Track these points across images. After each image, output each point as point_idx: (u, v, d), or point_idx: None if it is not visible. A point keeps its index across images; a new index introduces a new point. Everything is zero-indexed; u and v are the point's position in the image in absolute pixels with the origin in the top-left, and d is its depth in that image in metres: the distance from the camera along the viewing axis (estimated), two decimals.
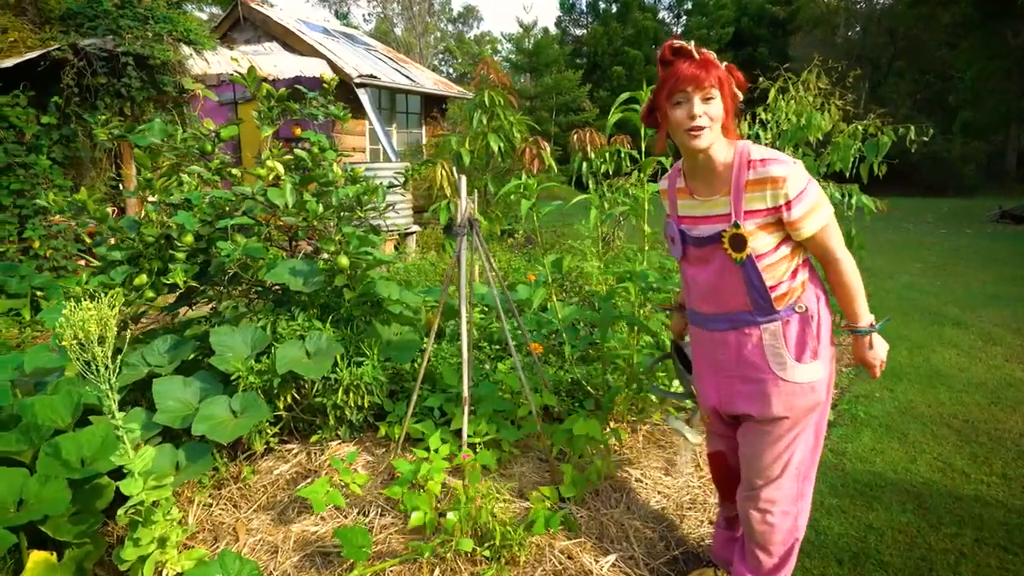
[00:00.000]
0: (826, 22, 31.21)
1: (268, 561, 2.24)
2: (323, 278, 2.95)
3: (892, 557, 2.34)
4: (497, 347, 3.60)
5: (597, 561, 2.24)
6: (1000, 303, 6.40)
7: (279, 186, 3.04)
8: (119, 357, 1.93)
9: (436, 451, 2.52)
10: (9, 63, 5.91)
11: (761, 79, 4.00)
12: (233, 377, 2.66)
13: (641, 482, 2.77)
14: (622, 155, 3.50)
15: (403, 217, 8.41)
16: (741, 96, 1.68)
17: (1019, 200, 16.59)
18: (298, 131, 3.60)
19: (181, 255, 2.94)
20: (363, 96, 9.50)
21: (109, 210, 6.90)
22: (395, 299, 3.08)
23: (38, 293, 5.50)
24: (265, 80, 3.43)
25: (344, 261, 2.92)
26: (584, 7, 35.86)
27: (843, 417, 3.56)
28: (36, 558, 1.95)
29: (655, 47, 31.45)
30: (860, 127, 3.67)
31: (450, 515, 2.20)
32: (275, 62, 8.85)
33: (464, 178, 2.59)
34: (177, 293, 3.16)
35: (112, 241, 3.14)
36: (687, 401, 2.36)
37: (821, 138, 3.80)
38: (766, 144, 3.73)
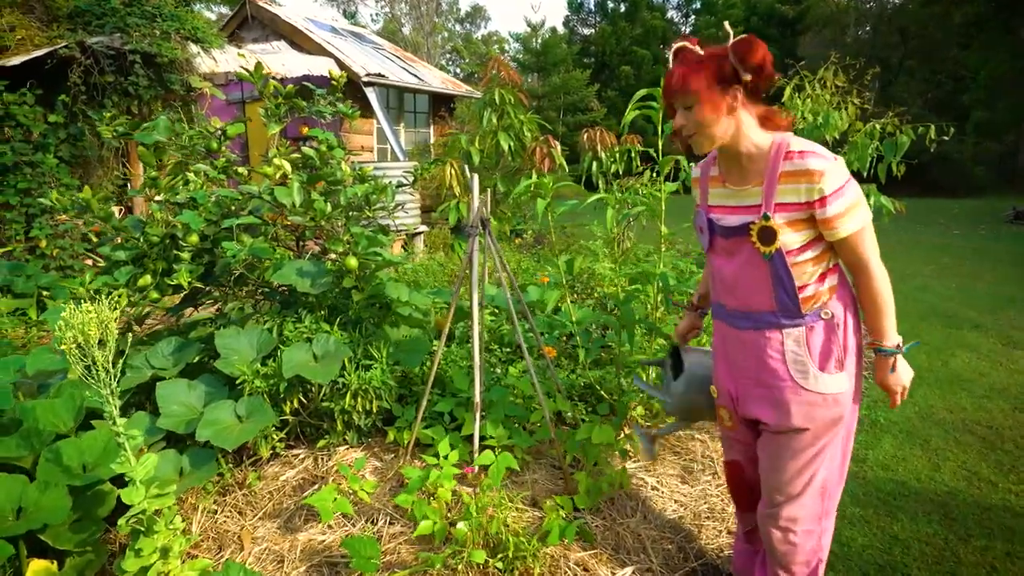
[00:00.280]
0: (836, 21, 30.97)
1: (274, 572, 2.17)
2: (331, 279, 2.88)
3: (919, 571, 2.25)
4: (508, 350, 3.52)
5: (614, 573, 2.17)
6: (1019, 306, 6.28)
7: (286, 185, 2.98)
8: (121, 360, 1.87)
9: (446, 457, 2.45)
10: (16, 61, 5.88)
11: (776, 76, 3.92)
12: (238, 381, 2.60)
13: (657, 490, 2.69)
14: (632, 155, 3.43)
15: (411, 217, 8.36)
16: (746, 76, 1.49)
17: None
18: (305, 130, 3.53)
19: (186, 255, 2.87)
20: (371, 95, 9.45)
21: (116, 209, 6.89)
22: (404, 301, 3.01)
23: (44, 293, 5.45)
24: (273, 79, 3.37)
25: (353, 262, 2.85)
26: (592, 6, 35.81)
27: (863, 423, 3.47)
28: (36, 567, 1.90)
29: (663, 46, 31.36)
30: (877, 126, 3.58)
31: (460, 525, 2.12)
32: (283, 60, 8.81)
33: (476, 177, 2.52)
34: (182, 294, 3.10)
35: (118, 241, 3.08)
36: (669, 418, 2.27)
37: (838, 137, 3.72)
38: None
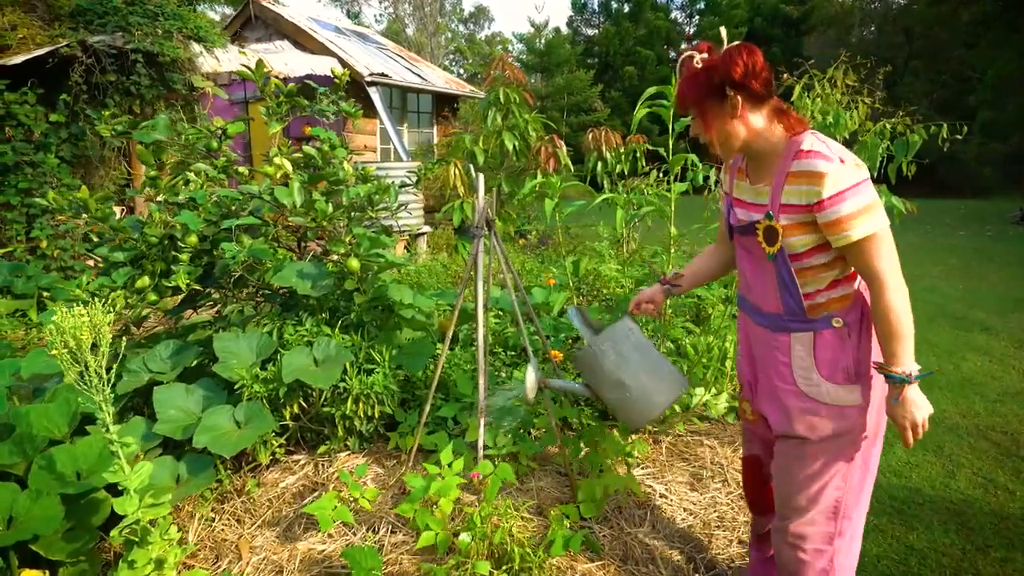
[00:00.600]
0: (840, 22, 30.83)
1: None
2: (332, 281, 2.82)
3: None
4: (513, 353, 3.46)
5: None
6: None
7: (287, 185, 2.92)
8: (114, 367, 1.81)
9: (450, 466, 2.37)
10: (17, 60, 5.84)
11: (785, 75, 3.85)
12: (237, 386, 2.54)
13: (666, 498, 2.63)
14: (637, 155, 3.37)
15: (415, 217, 8.30)
16: (730, 91, 1.46)
17: None
18: (308, 130, 3.48)
19: (185, 256, 2.81)
20: (374, 95, 9.40)
21: (117, 209, 6.85)
22: (408, 303, 2.94)
23: (45, 294, 5.41)
24: (275, 78, 3.31)
25: (355, 264, 2.79)
26: (596, 7, 35.76)
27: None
28: None
29: (667, 47, 31.32)
30: (888, 125, 3.52)
31: (464, 535, 2.06)
32: (286, 60, 8.77)
33: (481, 177, 2.46)
34: (181, 296, 3.04)
35: (116, 241, 3.03)
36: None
37: (848, 137, 3.65)
38: None
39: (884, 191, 3.53)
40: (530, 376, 1.98)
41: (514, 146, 4.98)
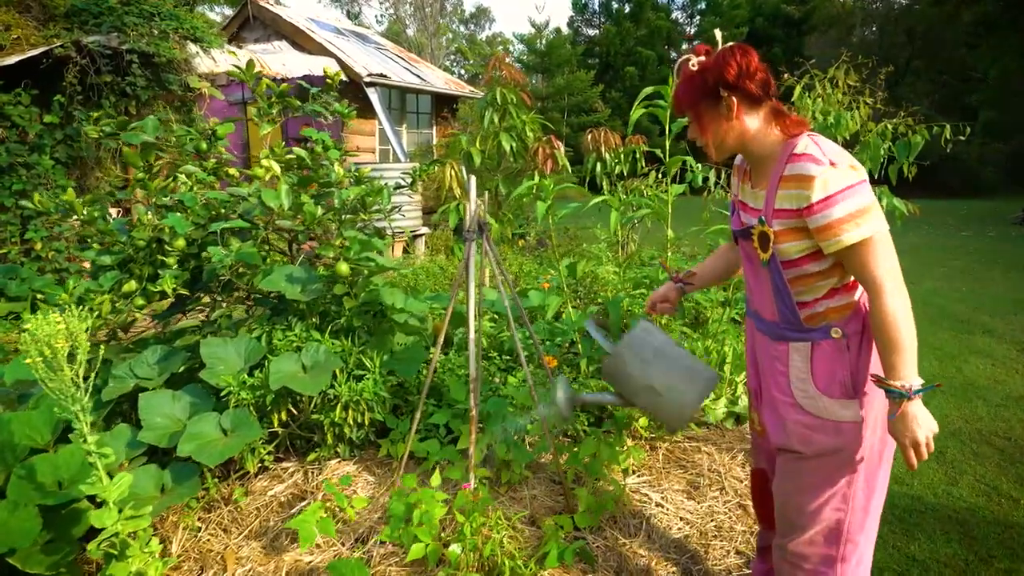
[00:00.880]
0: (842, 22, 30.78)
1: None
2: (322, 285, 2.77)
3: None
4: (507, 358, 3.40)
5: None
6: None
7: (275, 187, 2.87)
8: (92, 376, 1.76)
9: (435, 490, 2.21)
10: (11, 60, 5.79)
11: (786, 75, 3.80)
12: (223, 392, 2.48)
13: (662, 507, 2.57)
14: (637, 156, 3.32)
15: (411, 219, 8.25)
16: (724, 92, 1.43)
17: None
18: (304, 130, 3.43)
19: (172, 260, 2.76)
20: (373, 95, 9.35)
21: (114, 211, 6.80)
22: (400, 308, 2.88)
23: (39, 296, 5.36)
24: (273, 79, 3.26)
25: (344, 268, 2.74)
26: (597, 7, 35.70)
27: None
28: None
29: (668, 47, 31.26)
30: (889, 126, 3.46)
31: (453, 547, 2.01)
32: (283, 60, 8.72)
33: (473, 179, 2.40)
34: (169, 300, 2.99)
35: (106, 244, 2.98)
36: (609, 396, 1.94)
37: (848, 137, 3.60)
38: None
39: (885, 192, 3.49)
40: (561, 393, 1.90)
41: (511, 147, 4.92)
